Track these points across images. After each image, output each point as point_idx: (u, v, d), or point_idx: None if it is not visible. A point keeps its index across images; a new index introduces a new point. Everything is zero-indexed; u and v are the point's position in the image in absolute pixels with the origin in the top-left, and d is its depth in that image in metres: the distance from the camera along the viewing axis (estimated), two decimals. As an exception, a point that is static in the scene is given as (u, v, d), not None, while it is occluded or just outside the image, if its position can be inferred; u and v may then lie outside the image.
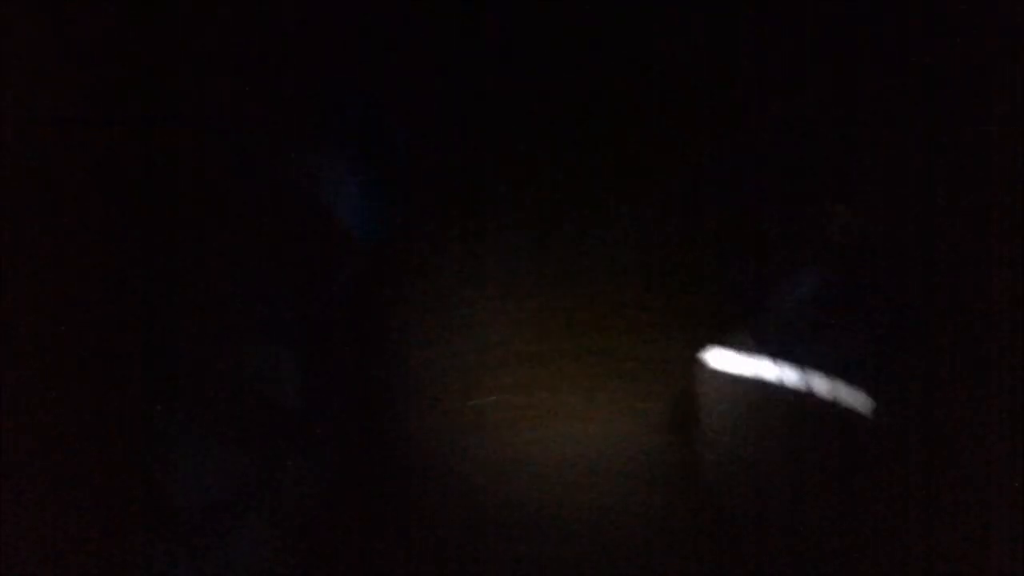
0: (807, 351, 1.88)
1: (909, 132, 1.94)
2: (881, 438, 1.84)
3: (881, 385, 1.83)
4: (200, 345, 1.93)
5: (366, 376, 2.06)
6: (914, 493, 1.81)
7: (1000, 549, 1.75)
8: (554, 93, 2.15)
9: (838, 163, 1.99)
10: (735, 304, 2.00)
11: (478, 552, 1.97)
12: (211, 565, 1.89)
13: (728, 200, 2.08)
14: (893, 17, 1.95)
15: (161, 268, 1.94)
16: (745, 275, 2.00)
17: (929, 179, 1.91)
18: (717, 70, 2.09)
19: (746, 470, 1.90)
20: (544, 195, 2.23)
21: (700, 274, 2.06)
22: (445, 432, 2.08)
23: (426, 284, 2.15)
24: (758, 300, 1.99)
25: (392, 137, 2.12)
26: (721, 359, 1.96)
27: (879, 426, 1.83)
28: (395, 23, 2.09)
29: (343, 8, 2.05)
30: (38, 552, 1.82)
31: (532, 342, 2.19)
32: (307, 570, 1.94)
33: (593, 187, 2.22)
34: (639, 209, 2.13)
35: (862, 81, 1.97)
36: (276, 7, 2.02)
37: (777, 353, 1.91)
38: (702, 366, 1.97)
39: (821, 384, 1.86)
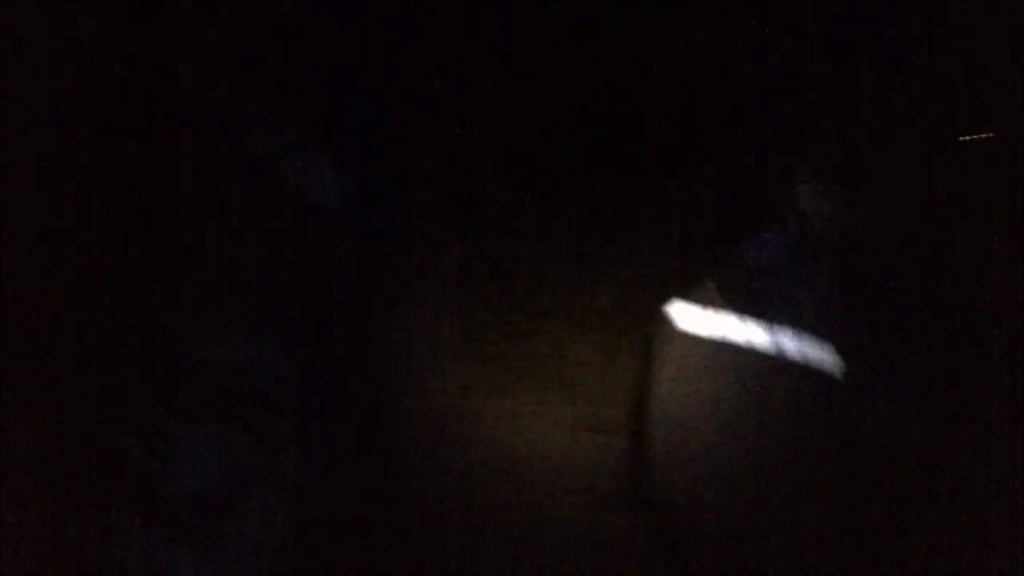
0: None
1: (909, 132, 1.94)
2: (880, 437, 1.84)
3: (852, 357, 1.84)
4: (200, 344, 1.94)
5: (366, 376, 2.06)
6: (897, 479, 1.81)
7: (1000, 549, 1.75)
8: (554, 93, 2.15)
9: (838, 161, 1.99)
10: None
11: (475, 551, 1.97)
12: (211, 565, 1.89)
13: (734, 228, 2.08)
14: (893, 17, 1.95)
15: (161, 268, 1.94)
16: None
17: (929, 179, 1.91)
18: (717, 70, 2.09)
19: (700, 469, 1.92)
20: (544, 195, 2.23)
21: (699, 272, 2.06)
22: (444, 432, 2.08)
23: (426, 284, 2.15)
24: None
25: (392, 137, 2.12)
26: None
27: (872, 422, 1.83)
28: (395, 23, 2.09)
29: (343, 8, 2.05)
30: (38, 552, 1.83)
31: (531, 342, 2.19)
32: (307, 570, 1.94)
33: (593, 187, 2.22)
34: (640, 210, 2.13)
35: (862, 81, 1.97)
36: (276, 7, 2.02)
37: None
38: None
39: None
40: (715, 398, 1.93)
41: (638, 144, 2.14)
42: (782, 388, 1.89)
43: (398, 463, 2.04)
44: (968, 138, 1.90)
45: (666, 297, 2.05)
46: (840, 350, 1.86)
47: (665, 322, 2.03)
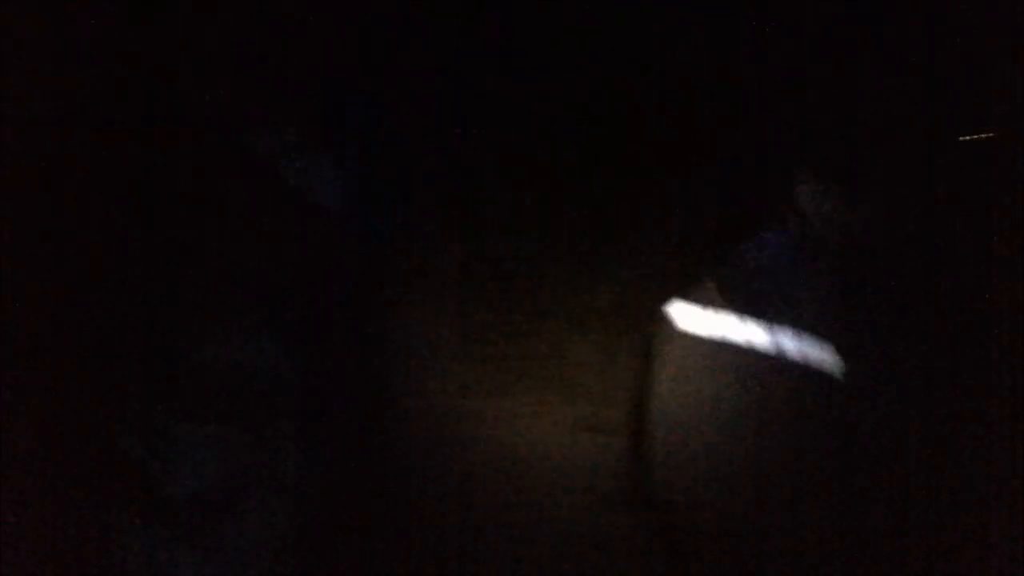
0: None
1: (909, 132, 1.94)
2: (880, 437, 1.84)
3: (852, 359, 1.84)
4: (200, 344, 1.94)
5: (366, 376, 2.06)
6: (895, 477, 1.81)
7: (1000, 549, 1.75)
8: (554, 93, 2.15)
9: (838, 161, 1.99)
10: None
11: (475, 551, 1.97)
12: (211, 565, 1.89)
13: (732, 225, 2.08)
14: (893, 17, 1.95)
15: (161, 268, 1.94)
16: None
17: (929, 179, 1.91)
18: (717, 70, 2.09)
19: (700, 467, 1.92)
20: (544, 195, 2.23)
21: (698, 273, 2.06)
22: (444, 432, 2.08)
23: (426, 284, 2.15)
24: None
25: (392, 137, 2.12)
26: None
27: (873, 424, 1.83)
28: (395, 23, 2.09)
29: (343, 8, 2.05)
30: (38, 552, 1.82)
31: (530, 344, 2.19)
32: (307, 570, 1.94)
33: (593, 187, 2.22)
34: (640, 210, 2.13)
35: (862, 81, 1.97)
36: (276, 7, 2.02)
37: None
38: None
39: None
40: (715, 398, 1.93)
41: (638, 144, 2.14)
42: (782, 388, 1.89)
43: (398, 463, 2.04)
44: (968, 138, 1.90)
45: (666, 297, 2.05)
46: (840, 350, 1.86)
47: (665, 322, 2.03)
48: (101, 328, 1.90)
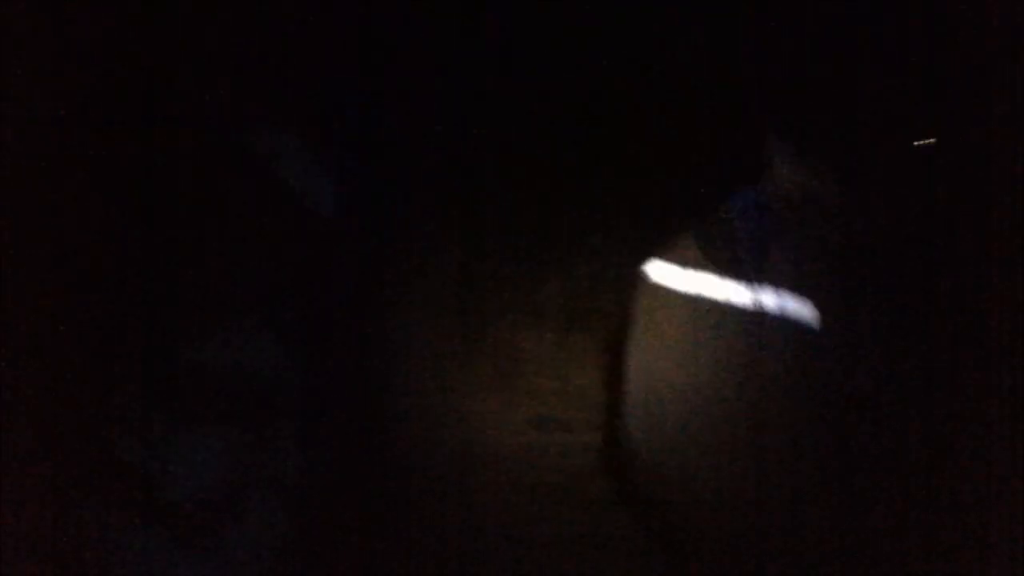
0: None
1: (909, 132, 1.94)
2: (880, 437, 1.84)
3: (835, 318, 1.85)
4: (200, 345, 1.93)
5: (366, 376, 2.06)
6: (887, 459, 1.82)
7: (1000, 549, 1.75)
8: (554, 93, 2.15)
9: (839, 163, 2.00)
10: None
11: (475, 551, 1.97)
12: (211, 565, 1.88)
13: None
14: (893, 17, 1.95)
15: (161, 268, 1.94)
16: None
17: (929, 179, 1.91)
18: (717, 70, 2.09)
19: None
20: (544, 195, 2.23)
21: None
22: (445, 432, 2.08)
23: (426, 284, 2.15)
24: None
25: (392, 137, 2.12)
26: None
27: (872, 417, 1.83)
28: (395, 23, 2.09)
29: (343, 8, 2.05)
30: (38, 552, 1.82)
31: (529, 344, 2.19)
32: (307, 570, 1.94)
33: (593, 187, 2.23)
34: (641, 210, 2.13)
35: (862, 81, 1.97)
36: (276, 7, 2.02)
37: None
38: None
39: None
40: (696, 358, 1.94)
41: (638, 144, 2.14)
42: (765, 346, 1.89)
43: (398, 463, 2.04)
44: (920, 143, 1.91)
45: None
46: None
47: (646, 285, 2.04)
48: (101, 328, 1.89)
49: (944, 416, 1.79)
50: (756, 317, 1.90)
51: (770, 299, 1.91)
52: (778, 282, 1.91)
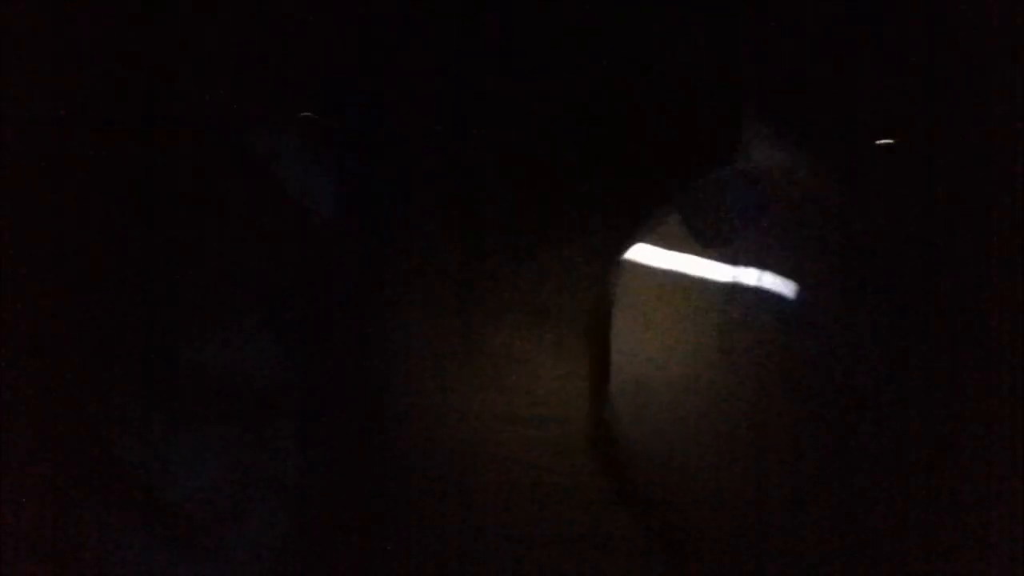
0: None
1: (909, 132, 1.94)
2: (880, 437, 1.84)
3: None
4: (200, 345, 1.93)
5: (366, 376, 2.06)
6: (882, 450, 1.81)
7: (1000, 549, 1.75)
8: (554, 93, 2.15)
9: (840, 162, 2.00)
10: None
11: (475, 551, 1.97)
12: (211, 566, 1.88)
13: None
14: (893, 17, 1.95)
15: (161, 268, 1.94)
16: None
17: (929, 179, 1.91)
18: (717, 70, 2.09)
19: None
20: (544, 195, 2.23)
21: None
22: (445, 432, 2.07)
23: (426, 284, 2.15)
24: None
25: (392, 137, 2.12)
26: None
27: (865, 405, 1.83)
28: (395, 23, 2.09)
29: (343, 8, 2.05)
30: (38, 553, 1.82)
31: (528, 346, 2.19)
32: (307, 570, 1.94)
33: (593, 187, 2.22)
34: (641, 210, 2.13)
35: (862, 81, 1.97)
36: (276, 7, 2.02)
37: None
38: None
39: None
40: (680, 340, 1.94)
41: (638, 144, 2.14)
42: (745, 327, 1.89)
43: (398, 463, 2.04)
44: (882, 143, 1.91)
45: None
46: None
47: (627, 265, 2.04)
48: (101, 328, 1.89)
49: (944, 416, 1.79)
50: (754, 313, 1.90)
51: (764, 288, 1.90)
52: (773, 273, 1.91)
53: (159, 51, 1.94)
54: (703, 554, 1.91)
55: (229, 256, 1.97)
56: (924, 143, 1.92)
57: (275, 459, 1.94)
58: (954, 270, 1.84)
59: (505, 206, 2.19)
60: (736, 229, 1.96)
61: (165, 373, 1.92)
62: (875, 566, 1.80)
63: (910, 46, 1.93)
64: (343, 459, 2.00)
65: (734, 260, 1.94)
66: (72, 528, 1.84)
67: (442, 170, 2.14)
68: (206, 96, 1.97)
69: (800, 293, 1.88)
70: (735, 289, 1.91)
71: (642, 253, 2.05)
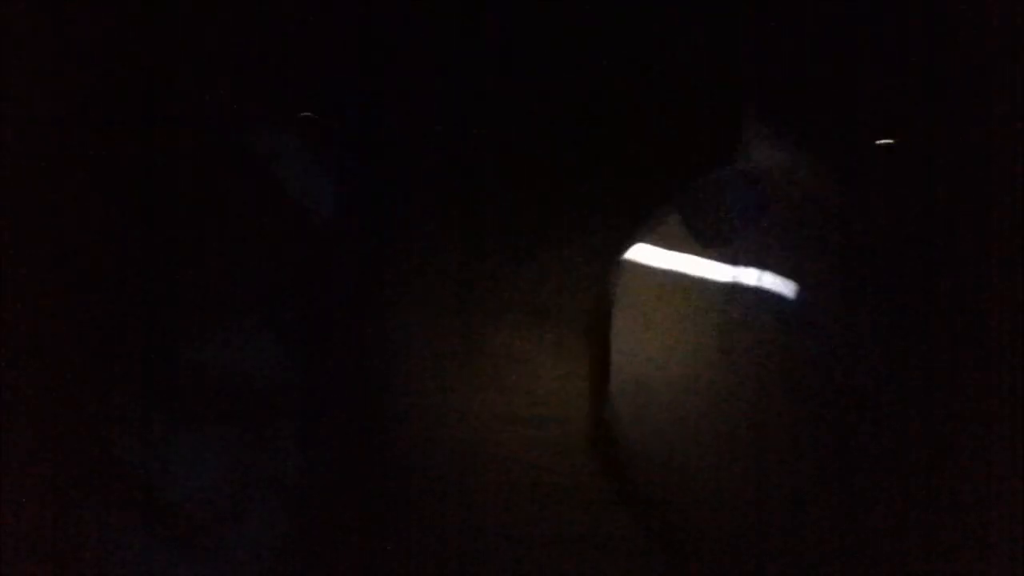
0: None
1: (909, 132, 1.94)
2: (880, 437, 1.84)
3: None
4: (200, 345, 1.93)
5: (366, 376, 2.06)
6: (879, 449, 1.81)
7: (1000, 549, 1.75)
8: (554, 93, 2.15)
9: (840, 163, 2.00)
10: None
11: (475, 551, 1.97)
12: (211, 566, 1.88)
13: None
14: (893, 17, 1.95)
15: (161, 268, 1.94)
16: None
17: (929, 179, 1.91)
18: (717, 70, 2.09)
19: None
20: (544, 195, 2.23)
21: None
22: (445, 432, 2.07)
23: (426, 284, 2.15)
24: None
25: (392, 137, 2.12)
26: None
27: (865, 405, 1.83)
28: (395, 23, 2.09)
29: (343, 8, 2.05)
30: (38, 553, 1.82)
31: (529, 346, 2.19)
32: (307, 570, 1.94)
33: (593, 187, 2.22)
34: (641, 209, 2.13)
35: (862, 81, 1.97)
36: (276, 7, 2.02)
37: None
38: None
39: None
40: (680, 340, 1.94)
41: (638, 144, 2.14)
42: (763, 344, 1.89)
43: (398, 463, 2.04)
44: (881, 143, 1.92)
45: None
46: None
47: (626, 265, 2.04)
48: (101, 328, 1.89)
49: (944, 416, 1.79)
50: (754, 313, 1.90)
51: (764, 288, 1.90)
52: (773, 273, 1.91)
53: (159, 51, 1.94)
54: (703, 554, 1.91)
55: (229, 256, 1.97)
56: (924, 143, 1.92)
57: (275, 459, 1.94)
58: (954, 270, 1.84)
59: (505, 206, 2.19)
60: (736, 229, 1.96)
61: (165, 373, 1.92)
62: (875, 566, 1.80)
63: (910, 46, 1.93)
64: (343, 459, 2.00)
65: (734, 260, 1.94)
66: (72, 528, 1.84)
67: (442, 170, 2.14)
68: (206, 96, 1.97)
69: (800, 293, 1.88)
70: (735, 289, 1.91)
71: (642, 253, 2.05)
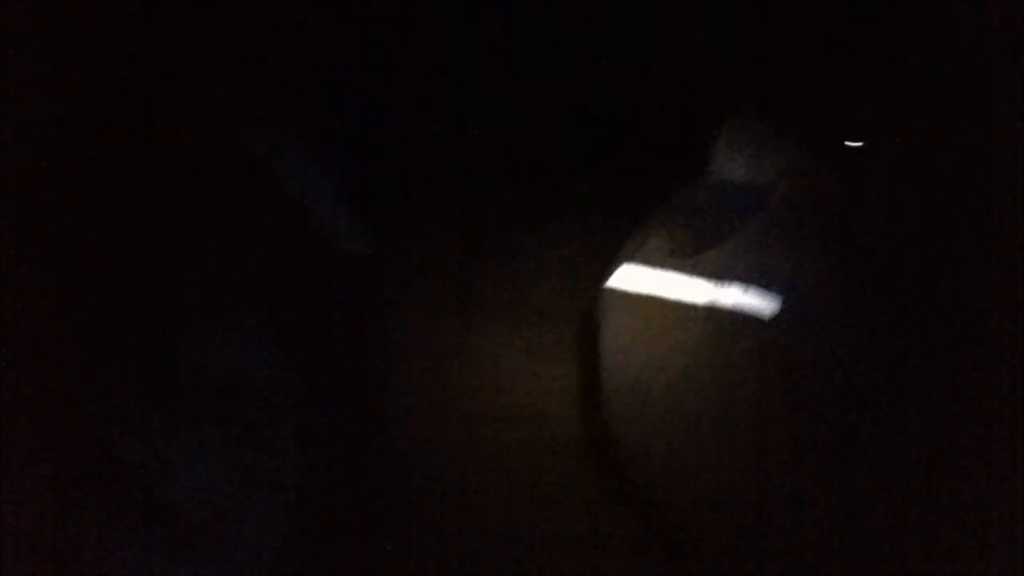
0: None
1: (909, 132, 1.94)
2: (880, 437, 1.84)
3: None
4: (200, 345, 1.93)
5: (366, 376, 2.06)
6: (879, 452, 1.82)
7: (1000, 549, 1.75)
8: (554, 93, 2.15)
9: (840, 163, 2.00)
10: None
11: (475, 551, 1.98)
12: (211, 565, 1.88)
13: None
14: (893, 17, 1.95)
15: (161, 268, 1.94)
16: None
17: (929, 179, 1.91)
18: (717, 70, 2.09)
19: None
20: (544, 195, 2.23)
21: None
22: (445, 432, 2.08)
23: (425, 285, 2.15)
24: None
25: (392, 137, 2.12)
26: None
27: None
28: (395, 23, 2.09)
29: (343, 8, 2.05)
30: (38, 553, 1.82)
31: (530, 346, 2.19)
32: (307, 570, 1.94)
33: (593, 187, 2.23)
34: (641, 209, 2.14)
35: (862, 81, 1.97)
36: (276, 7, 2.02)
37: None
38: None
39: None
40: (667, 353, 1.95)
41: (638, 144, 2.15)
42: (736, 339, 1.89)
43: (398, 463, 2.04)
44: (853, 144, 1.92)
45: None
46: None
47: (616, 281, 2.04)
48: (101, 328, 1.89)
49: (944, 416, 1.79)
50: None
51: (764, 288, 1.90)
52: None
53: (159, 51, 1.94)
54: (703, 554, 1.91)
55: (229, 256, 1.97)
56: (924, 143, 1.92)
57: (275, 459, 1.94)
58: (954, 270, 1.84)
59: (505, 206, 2.19)
60: (735, 229, 1.96)
61: (165, 373, 1.92)
62: (875, 566, 1.80)
63: (910, 46, 1.93)
64: (343, 459, 2.00)
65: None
66: (72, 528, 1.84)
67: (442, 170, 2.15)
68: (206, 96, 1.97)
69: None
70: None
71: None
